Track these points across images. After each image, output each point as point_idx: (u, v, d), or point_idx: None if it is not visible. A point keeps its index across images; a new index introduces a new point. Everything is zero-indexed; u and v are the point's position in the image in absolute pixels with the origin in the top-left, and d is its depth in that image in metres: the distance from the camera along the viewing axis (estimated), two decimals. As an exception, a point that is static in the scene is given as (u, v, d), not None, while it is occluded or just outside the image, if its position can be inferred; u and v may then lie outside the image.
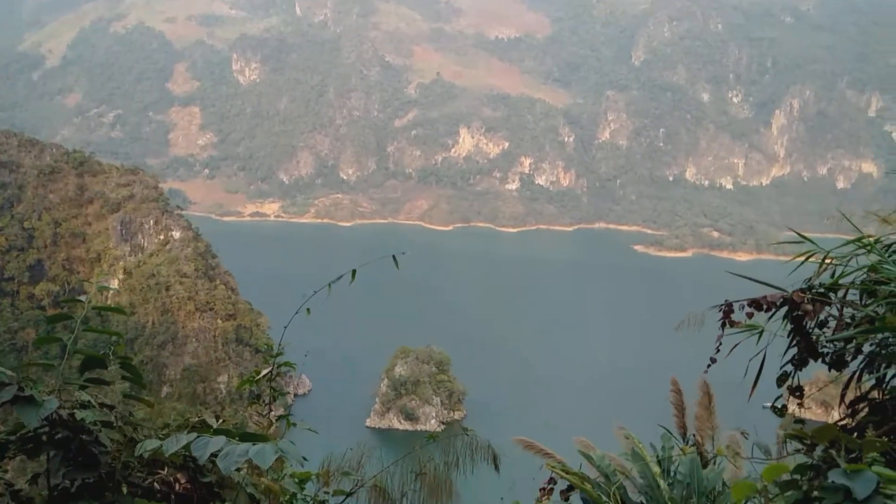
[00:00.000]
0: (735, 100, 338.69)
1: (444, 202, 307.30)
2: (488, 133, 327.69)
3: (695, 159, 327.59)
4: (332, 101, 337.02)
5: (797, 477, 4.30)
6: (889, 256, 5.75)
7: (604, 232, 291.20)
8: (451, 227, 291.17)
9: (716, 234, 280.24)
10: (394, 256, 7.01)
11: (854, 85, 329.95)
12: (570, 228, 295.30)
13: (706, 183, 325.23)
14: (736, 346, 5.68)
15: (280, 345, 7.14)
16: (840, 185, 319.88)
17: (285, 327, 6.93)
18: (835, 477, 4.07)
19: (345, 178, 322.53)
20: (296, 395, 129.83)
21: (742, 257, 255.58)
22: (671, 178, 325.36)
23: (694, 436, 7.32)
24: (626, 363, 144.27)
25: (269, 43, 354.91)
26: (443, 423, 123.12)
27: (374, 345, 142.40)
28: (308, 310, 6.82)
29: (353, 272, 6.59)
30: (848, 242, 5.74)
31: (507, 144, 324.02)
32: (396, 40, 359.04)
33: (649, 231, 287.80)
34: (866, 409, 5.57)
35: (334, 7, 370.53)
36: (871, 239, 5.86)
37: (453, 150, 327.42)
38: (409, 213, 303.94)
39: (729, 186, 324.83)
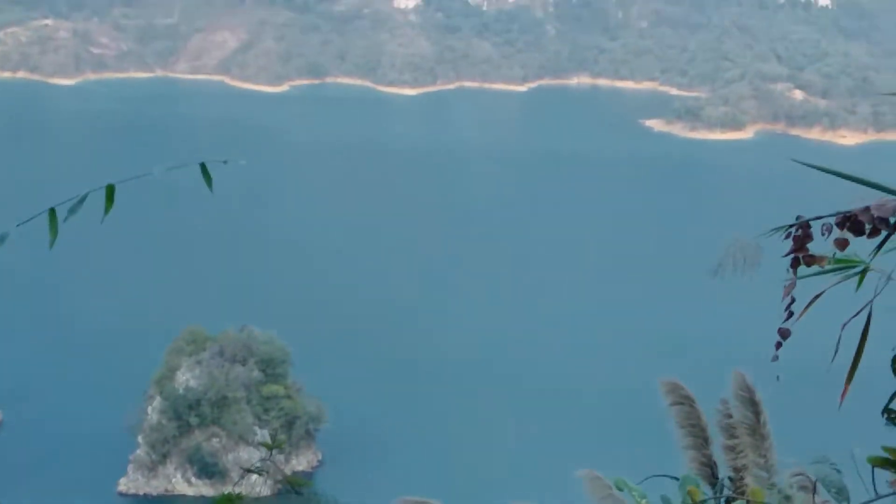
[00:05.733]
0: None
1: (270, 36, 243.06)
2: None
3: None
4: None
5: None
6: None
7: (587, 93, 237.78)
8: (284, 87, 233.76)
9: (798, 94, 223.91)
10: (203, 166, 5.39)
11: None
12: (524, 87, 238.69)
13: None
14: (817, 297, 4.83)
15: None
16: None
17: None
18: None
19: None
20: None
21: (847, 139, 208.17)
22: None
23: (731, 478, 6.73)
24: (617, 345, 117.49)
25: None
26: (277, 480, 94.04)
27: (137, 322, 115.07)
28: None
29: (110, 192, 5.21)
30: None
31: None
32: None
33: (674, 91, 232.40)
34: None
35: None
36: None
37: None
38: (200, 58, 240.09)
39: (824, 1, 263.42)
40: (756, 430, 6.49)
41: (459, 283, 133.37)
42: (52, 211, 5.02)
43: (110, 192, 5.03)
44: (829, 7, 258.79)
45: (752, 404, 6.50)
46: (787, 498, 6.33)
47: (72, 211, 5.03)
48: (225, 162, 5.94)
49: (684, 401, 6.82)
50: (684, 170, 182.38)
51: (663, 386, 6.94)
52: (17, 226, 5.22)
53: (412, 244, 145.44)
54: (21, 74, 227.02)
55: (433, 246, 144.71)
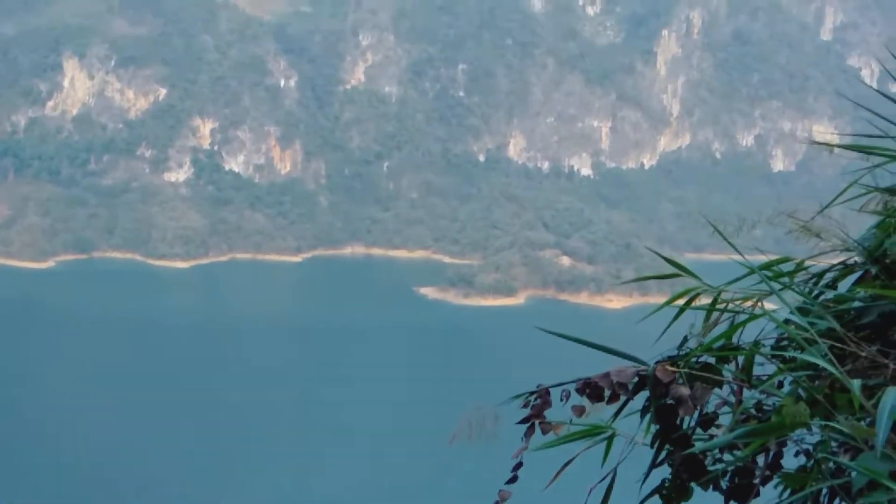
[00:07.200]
0: (591, 12, 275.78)
1: (34, 211, 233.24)
2: (124, 68, 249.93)
3: (524, 123, 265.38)
4: None
5: None
6: (816, 295, 4.96)
7: (361, 262, 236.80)
8: (50, 263, 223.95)
9: (566, 260, 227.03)
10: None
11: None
12: (298, 258, 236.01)
13: (545, 166, 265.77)
14: (567, 465, 4.74)
15: None
16: (778, 165, 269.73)
17: None
18: None
19: None
20: None
21: (614, 303, 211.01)
22: (482, 158, 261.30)
23: None
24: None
25: None
26: None
27: None
28: None
29: None
30: (750, 273, 5.00)
31: (163, 92, 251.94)
32: None
33: (447, 259, 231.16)
34: None
35: None
36: (792, 263, 5.16)
37: (51, 104, 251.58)
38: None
39: (586, 171, 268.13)
40: None
41: (226, 453, 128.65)
42: None
43: None
44: (592, 177, 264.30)
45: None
46: None
47: None
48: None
49: None
50: (455, 336, 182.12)
51: None
52: None
53: (179, 418, 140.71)
54: None
55: (200, 418, 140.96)
